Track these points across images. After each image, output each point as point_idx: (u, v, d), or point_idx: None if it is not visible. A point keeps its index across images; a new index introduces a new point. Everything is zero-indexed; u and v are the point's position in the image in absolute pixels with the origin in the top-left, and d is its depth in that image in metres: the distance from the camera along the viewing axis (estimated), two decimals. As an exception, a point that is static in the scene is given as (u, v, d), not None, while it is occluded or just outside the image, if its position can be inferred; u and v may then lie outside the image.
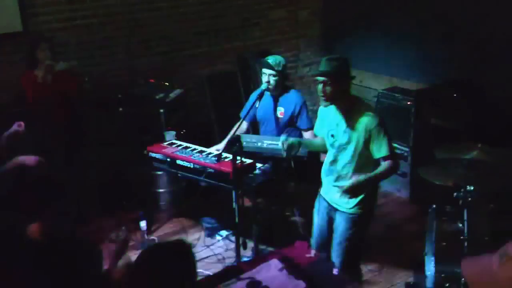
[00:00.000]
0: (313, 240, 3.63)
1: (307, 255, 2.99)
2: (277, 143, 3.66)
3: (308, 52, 6.53)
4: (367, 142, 3.21)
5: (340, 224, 3.41)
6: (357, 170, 3.28)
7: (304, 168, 4.14)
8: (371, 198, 3.41)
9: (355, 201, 3.33)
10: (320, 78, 3.20)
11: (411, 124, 5.02)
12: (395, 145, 5.04)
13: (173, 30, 5.59)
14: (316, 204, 3.61)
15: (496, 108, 4.55)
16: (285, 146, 3.44)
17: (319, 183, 3.56)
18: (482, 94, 4.70)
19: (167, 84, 5.26)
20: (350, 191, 3.16)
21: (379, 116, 3.23)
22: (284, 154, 3.48)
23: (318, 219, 3.60)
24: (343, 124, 3.29)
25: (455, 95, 4.90)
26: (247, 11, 6.00)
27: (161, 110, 4.91)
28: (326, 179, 3.48)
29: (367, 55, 5.81)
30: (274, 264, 2.90)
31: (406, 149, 5.09)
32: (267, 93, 4.29)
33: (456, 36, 4.94)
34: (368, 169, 3.26)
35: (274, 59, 4.20)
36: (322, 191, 3.55)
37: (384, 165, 3.23)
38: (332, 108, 3.34)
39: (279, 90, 4.27)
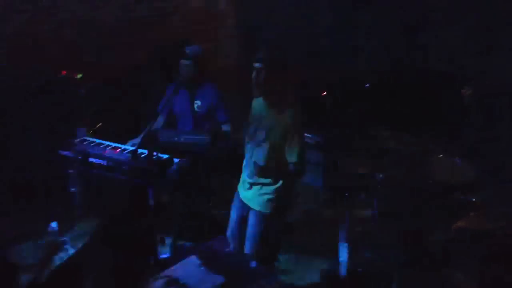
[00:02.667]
0: (228, 233, 3.63)
1: (226, 250, 2.99)
2: (196, 136, 3.63)
3: (228, 43, 6.48)
4: (283, 141, 3.21)
5: (251, 220, 3.42)
6: (267, 168, 3.27)
7: (223, 161, 4.12)
8: (283, 196, 3.40)
9: (266, 199, 3.34)
10: (257, 65, 3.16)
11: (325, 114, 5.14)
12: (309, 135, 5.20)
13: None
14: (235, 198, 3.62)
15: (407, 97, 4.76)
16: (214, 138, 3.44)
17: (239, 177, 3.57)
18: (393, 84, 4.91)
19: (80, 76, 5.03)
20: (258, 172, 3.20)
21: (299, 117, 3.22)
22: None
23: (233, 213, 3.61)
24: (264, 120, 3.28)
25: (367, 85, 5.08)
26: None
27: (73, 105, 4.70)
28: (243, 174, 3.50)
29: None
30: (193, 260, 2.88)
31: (321, 139, 5.20)
32: (184, 87, 4.22)
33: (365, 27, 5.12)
34: (278, 170, 3.28)
35: (191, 49, 4.14)
36: (239, 185, 3.56)
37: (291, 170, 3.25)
38: (259, 101, 3.32)
39: (195, 83, 4.22)
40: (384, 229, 3.53)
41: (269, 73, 3.15)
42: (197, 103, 4.25)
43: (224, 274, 2.73)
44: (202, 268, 2.81)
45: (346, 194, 3.91)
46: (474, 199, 3.44)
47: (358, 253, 3.63)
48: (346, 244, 3.73)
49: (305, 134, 5.04)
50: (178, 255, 3.15)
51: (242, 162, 3.49)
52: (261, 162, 3.27)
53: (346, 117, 5.01)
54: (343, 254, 3.81)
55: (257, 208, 3.37)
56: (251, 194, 3.39)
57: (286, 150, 3.23)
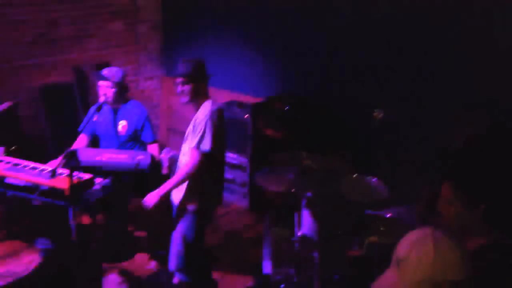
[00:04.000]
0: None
1: (147, 267, 2.99)
2: (119, 156, 3.63)
3: (149, 65, 6.52)
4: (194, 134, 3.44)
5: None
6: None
7: (145, 180, 4.11)
8: (193, 196, 3.53)
9: (180, 199, 3.51)
10: (179, 78, 3.47)
11: (248, 136, 5.28)
12: (234, 155, 5.31)
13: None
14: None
15: (323, 119, 4.99)
16: (170, 162, 3.55)
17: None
18: (310, 107, 5.14)
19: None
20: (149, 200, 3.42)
21: (213, 112, 3.47)
22: (140, 162, 3.72)
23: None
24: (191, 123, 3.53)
25: (287, 107, 5.28)
26: (82, 21, 5.81)
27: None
28: None
29: (209, 70, 5.98)
30: (113, 278, 2.86)
31: (245, 159, 5.34)
32: (107, 106, 4.19)
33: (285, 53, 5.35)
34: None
35: (110, 71, 4.14)
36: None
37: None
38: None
39: (118, 103, 4.21)
40: (306, 246, 3.64)
41: (191, 84, 3.49)
42: (122, 122, 4.22)
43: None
44: (123, 286, 2.79)
45: (269, 213, 4.01)
46: (388, 215, 3.66)
47: (281, 268, 3.72)
48: (269, 261, 3.82)
49: (229, 154, 5.20)
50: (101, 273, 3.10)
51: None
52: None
53: (268, 138, 5.17)
54: (267, 271, 3.90)
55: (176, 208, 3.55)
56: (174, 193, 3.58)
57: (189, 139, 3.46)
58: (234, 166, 5.37)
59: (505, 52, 3.99)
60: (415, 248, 1.58)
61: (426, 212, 3.26)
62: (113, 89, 4.10)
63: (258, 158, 5.17)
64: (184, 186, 3.51)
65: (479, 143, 3.19)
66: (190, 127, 3.51)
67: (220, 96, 5.89)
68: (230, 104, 5.53)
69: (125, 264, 3.05)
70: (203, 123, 3.39)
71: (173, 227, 3.69)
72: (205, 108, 3.49)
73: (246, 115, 5.25)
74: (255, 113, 5.30)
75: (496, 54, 4.02)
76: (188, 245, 3.50)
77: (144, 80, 6.50)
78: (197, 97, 3.53)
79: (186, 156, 3.47)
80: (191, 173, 3.42)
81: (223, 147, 3.72)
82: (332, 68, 5.01)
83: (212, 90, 5.92)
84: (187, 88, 3.46)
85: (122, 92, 4.21)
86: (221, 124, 3.51)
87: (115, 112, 4.23)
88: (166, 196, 3.44)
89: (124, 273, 2.89)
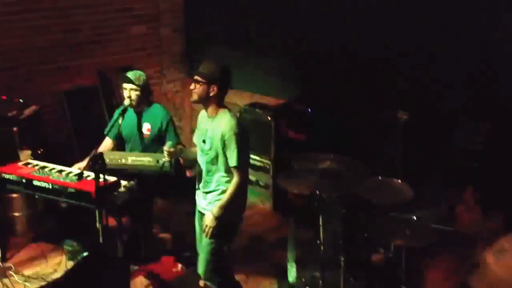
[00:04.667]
0: (198, 247, 3.69)
1: (174, 270, 3.01)
2: (143, 159, 3.65)
3: (172, 68, 6.56)
4: (224, 149, 3.38)
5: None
6: (218, 176, 3.46)
7: (170, 184, 4.14)
8: (232, 207, 3.49)
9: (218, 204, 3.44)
10: (197, 78, 3.38)
11: (271, 138, 5.27)
12: (257, 157, 5.32)
13: (19, 43, 5.29)
14: (196, 210, 3.70)
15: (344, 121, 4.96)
16: (169, 152, 3.51)
17: (186, 198, 3.62)
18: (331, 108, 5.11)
19: (21, 101, 4.95)
20: (209, 228, 3.39)
21: (238, 127, 3.38)
22: (165, 164, 3.65)
23: (196, 225, 3.69)
24: (208, 131, 3.46)
25: (308, 110, 5.26)
26: (105, 25, 5.88)
27: (14, 128, 4.60)
28: (198, 185, 3.62)
29: (231, 77, 6.00)
30: (140, 281, 2.88)
31: (268, 161, 5.33)
32: (131, 110, 4.23)
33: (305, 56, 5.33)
34: (229, 176, 3.43)
35: (134, 74, 4.18)
36: (196, 196, 3.65)
37: (232, 182, 3.41)
38: (204, 114, 3.49)
39: (142, 106, 4.24)
40: (330, 248, 3.62)
41: (206, 87, 3.38)
42: (147, 125, 4.26)
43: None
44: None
45: (294, 215, 3.99)
46: (413, 217, 3.61)
47: (305, 272, 3.71)
48: (294, 264, 3.81)
49: (252, 156, 5.21)
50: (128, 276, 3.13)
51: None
52: (210, 171, 3.47)
53: (291, 140, 5.16)
54: (292, 274, 3.89)
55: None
56: (206, 202, 3.51)
57: (227, 157, 3.38)
58: (257, 168, 5.37)
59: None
60: None
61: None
62: (137, 92, 4.14)
63: (281, 160, 5.15)
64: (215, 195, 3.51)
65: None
66: (213, 136, 3.41)
67: (241, 98, 5.92)
68: (252, 106, 5.53)
69: (151, 267, 3.07)
70: (233, 139, 3.34)
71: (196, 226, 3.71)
72: (228, 121, 3.39)
73: (269, 117, 5.24)
74: (278, 115, 5.30)
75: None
76: (217, 255, 3.49)
77: (167, 83, 6.55)
78: (209, 101, 3.42)
79: (218, 167, 3.45)
80: (241, 190, 3.45)
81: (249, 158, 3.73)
82: (352, 70, 4.96)
83: (234, 93, 6.03)
84: (199, 88, 3.37)
85: (146, 95, 4.24)
86: (247, 137, 3.50)
87: (139, 115, 4.26)
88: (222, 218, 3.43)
89: (150, 276, 2.91)
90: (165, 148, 3.56)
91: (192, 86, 3.41)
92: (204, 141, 3.49)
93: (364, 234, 3.67)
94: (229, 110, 3.48)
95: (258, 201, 5.44)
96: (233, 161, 3.36)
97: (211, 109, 3.45)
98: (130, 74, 4.16)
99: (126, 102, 4.13)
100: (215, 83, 3.38)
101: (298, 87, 5.53)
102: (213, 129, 3.42)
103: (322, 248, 3.58)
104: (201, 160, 3.55)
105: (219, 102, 3.47)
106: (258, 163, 5.35)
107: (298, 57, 5.43)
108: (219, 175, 3.47)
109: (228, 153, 3.37)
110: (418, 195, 3.60)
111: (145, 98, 4.23)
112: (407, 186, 3.68)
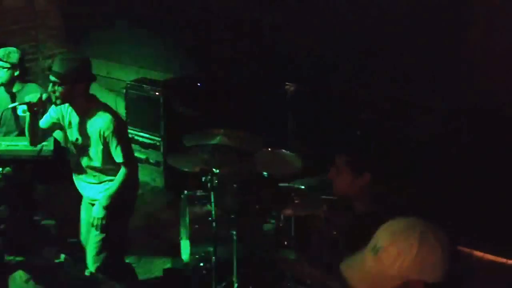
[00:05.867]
0: (81, 238, 3.56)
1: (56, 261, 2.85)
2: (19, 143, 3.42)
3: (49, 43, 6.13)
4: (105, 146, 3.22)
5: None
6: (103, 167, 3.31)
7: (49, 168, 3.90)
8: (119, 193, 3.36)
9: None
10: (52, 78, 3.09)
11: (160, 114, 5.13)
12: (146, 135, 5.16)
13: None
14: (82, 200, 3.55)
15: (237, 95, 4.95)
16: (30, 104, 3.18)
17: (68, 183, 3.46)
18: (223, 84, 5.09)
19: None
20: (98, 219, 3.25)
21: (116, 121, 3.21)
22: (43, 148, 3.46)
23: (83, 214, 3.56)
24: (81, 126, 3.25)
25: (199, 84, 5.18)
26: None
27: None
28: (75, 177, 3.44)
29: (113, 45, 5.73)
30: (19, 276, 2.70)
31: (158, 138, 5.19)
32: (2, 89, 3.92)
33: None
34: (114, 165, 3.29)
35: (4, 51, 3.86)
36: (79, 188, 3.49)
37: (120, 173, 3.28)
38: (71, 110, 3.27)
39: (16, 85, 3.94)
40: (223, 224, 3.62)
41: (67, 87, 3.10)
42: (23, 107, 3.95)
43: (55, 286, 2.60)
44: (31, 282, 2.65)
45: (185, 192, 3.94)
46: (302, 187, 3.71)
47: (199, 248, 3.69)
48: (188, 241, 3.77)
49: (141, 134, 5.06)
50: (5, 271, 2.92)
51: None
52: (92, 164, 3.31)
53: (181, 116, 5.06)
54: (185, 251, 3.85)
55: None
56: (93, 193, 3.37)
57: (112, 153, 3.24)
58: (147, 146, 5.22)
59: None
60: (398, 241, 1.51)
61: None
62: (9, 71, 3.84)
63: (172, 137, 5.04)
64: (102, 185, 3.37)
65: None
66: (90, 134, 3.22)
67: (127, 73, 5.70)
68: (139, 81, 5.34)
69: (31, 259, 2.88)
70: (114, 137, 3.17)
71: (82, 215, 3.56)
72: (104, 119, 3.18)
73: (157, 93, 5.09)
74: (167, 90, 5.15)
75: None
76: (106, 245, 3.37)
77: (44, 58, 6.11)
78: (75, 100, 3.18)
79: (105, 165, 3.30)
80: (128, 183, 3.33)
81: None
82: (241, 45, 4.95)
83: (118, 67, 5.78)
84: (60, 90, 3.08)
85: (21, 74, 3.95)
86: (125, 125, 3.48)
87: (12, 95, 3.95)
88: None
89: (31, 269, 2.73)
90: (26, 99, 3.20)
91: (50, 88, 3.11)
92: (77, 139, 3.28)
93: (256, 207, 3.71)
94: (100, 105, 3.27)
95: (149, 179, 5.31)
96: (119, 158, 3.23)
97: (80, 108, 3.22)
98: (1, 53, 3.85)
99: (-3, 80, 3.81)
100: (75, 80, 3.11)
101: (189, 61, 5.41)
102: (88, 128, 3.22)
103: (214, 224, 3.57)
104: (77, 154, 3.36)
105: (88, 99, 3.24)
106: (147, 141, 5.20)
107: (186, 29, 5.30)
108: (105, 167, 3.32)
109: (112, 150, 3.22)
110: (306, 164, 3.71)
111: (19, 76, 3.94)
112: (296, 157, 3.78)
